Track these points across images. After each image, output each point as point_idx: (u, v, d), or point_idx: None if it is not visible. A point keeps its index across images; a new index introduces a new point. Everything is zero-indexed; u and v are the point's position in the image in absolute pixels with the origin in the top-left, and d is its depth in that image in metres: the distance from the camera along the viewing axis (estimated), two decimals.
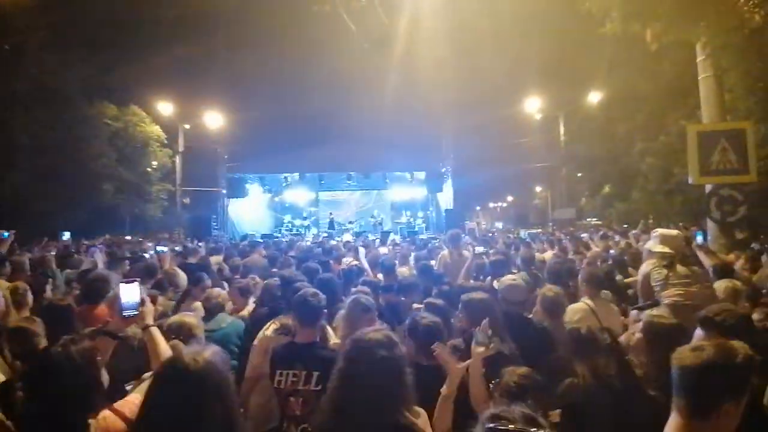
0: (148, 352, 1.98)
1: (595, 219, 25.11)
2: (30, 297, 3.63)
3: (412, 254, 6.75)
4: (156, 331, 2.03)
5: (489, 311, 2.64)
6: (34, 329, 2.57)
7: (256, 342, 3.03)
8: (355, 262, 5.72)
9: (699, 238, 4.28)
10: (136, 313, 2.00)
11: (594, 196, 23.72)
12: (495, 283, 3.98)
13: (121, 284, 2.04)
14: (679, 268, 3.45)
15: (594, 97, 20.40)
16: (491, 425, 1.04)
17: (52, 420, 1.57)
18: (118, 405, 1.68)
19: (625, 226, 15.82)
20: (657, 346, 2.23)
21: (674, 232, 3.83)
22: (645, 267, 3.72)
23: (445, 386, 1.97)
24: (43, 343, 2.52)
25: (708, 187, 6.13)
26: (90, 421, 1.60)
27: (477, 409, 1.93)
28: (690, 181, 6.22)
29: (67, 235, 11.46)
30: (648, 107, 16.59)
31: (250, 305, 4.09)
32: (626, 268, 5.69)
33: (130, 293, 2.00)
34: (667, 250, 3.58)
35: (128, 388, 1.88)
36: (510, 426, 1.03)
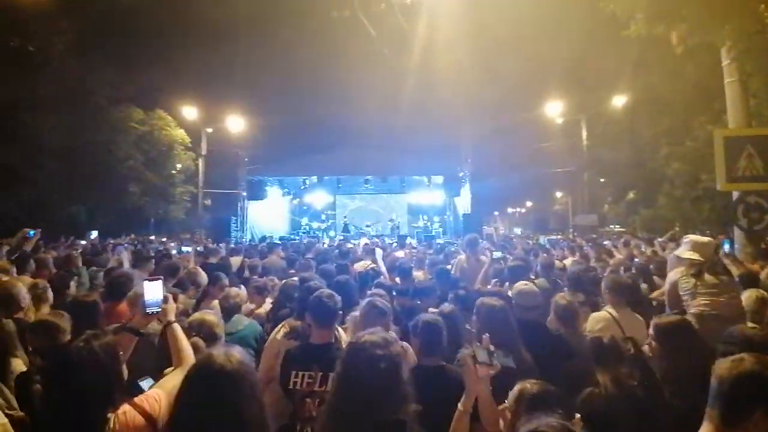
0: (170, 349, 2.03)
1: (618, 226, 24.54)
2: (50, 294, 3.71)
3: (428, 258, 6.74)
4: (178, 328, 2.07)
5: (502, 318, 2.62)
6: (59, 323, 2.62)
7: (267, 344, 3.07)
8: (372, 265, 5.75)
9: (726, 247, 4.15)
10: (158, 309, 2.05)
11: (618, 202, 23.21)
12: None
13: (144, 281, 2.10)
14: (707, 277, 3.34)
15: (618, 101, 19.96)
16: None
17: (72, 414, 1.59)
18: (138, 400, 1.71)
19: (645, 235, 15.40)
20: (667, 345, 2.24)
21: (706, 239, 3.71)
22: (673, 275, 3.63)
23: (461, 401, 1.92)
24: (67, 338, 2.59)
25: (735, 194, 5.94)
26: (110, 415, 1.63)
27: (489, 430, 1.89)
28: (717, 186, 6.04)
29: (94, 234, 11.85)
30: (673, 111, 16.17)
31: (267, 304, 4.15)
32: (651, 277, 5.53)
33: (153, 290, 2.05)
34: (696, 257, 3.46)
35: (141, 383, 1.93)
36: None
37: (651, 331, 2.38)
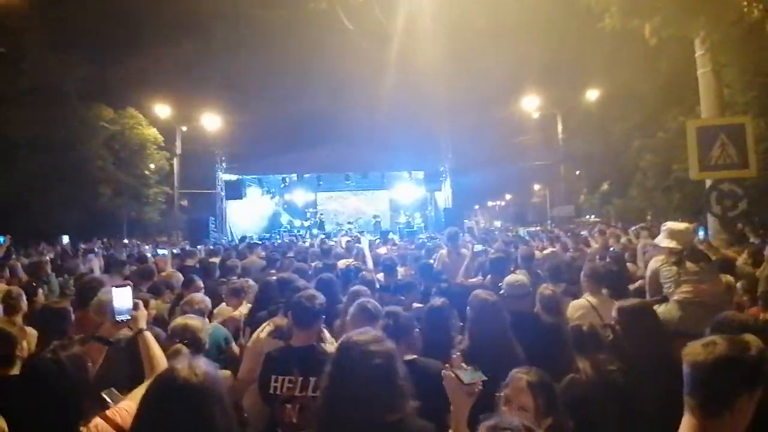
0: (142, 358, 1.93)
1: (593, 216, 25.13)
2: (24, 302, 3.58)
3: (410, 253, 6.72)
4: (149, 336, 1.98)
5: (495, 311, 2.61)
6: (10, 332, 2.50)
7: (249, 344, 2.96)
8: (354, 262, 5.68)
9: (701, 234, 4.24)
10: (128, 317, 1.95)
11: (592, 193, 23.75)
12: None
13: (113, 288, 1.98)
14: (689, 265, 3.39)
15: (592, 95, 20.41)
16: None
17: (41, 428, 1.53)
18: (110, 413, 1.64)
19: (617, 225, 15.82)
20: (629, 328, 2.29)
21: (683, 225, 3.71)
22: (653, 263, 3.65)
23: (454, 426, 1.81)
24: (24, 347, 2.46)
25: (708, 183, 6.10)
26: (81, 429, 1.56)
27: None
28: (690, 176, 6.20)
29: (66, 239, 11.41)
30: (646, 105, 16.61)
31: (244, 306, 4.04)
32: (625, 264, 5.66)
33: (122, 297, 1.95)
34: (674, 245, 3.49)
35: (104, 395, 1.81)
36: None
37: (614, 314, 2.42)
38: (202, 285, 4.07)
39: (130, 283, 2.08)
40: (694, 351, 1.33)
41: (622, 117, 18.30)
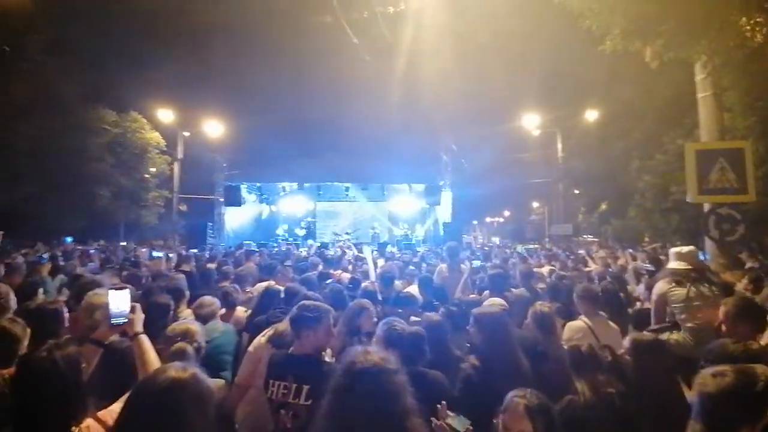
0: (136, 361, 1.91)
1: (591, 236, 25.16)
2: (12, 301, 3.47)
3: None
4: (145, 340, 1.96)
5: (502, 326, 2.59)
6: (12, 330, 2.47)
7: (251, 348, 2.96)
8: (347, 276, 5.69)
9: (701, 257, 4.24)
10: (125, 321, 1.93)
11: (591, 212, 23.81)
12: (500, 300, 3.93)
13: (110, 291, 1.97)
14: (699, 288, 3.36)
15: (591, 114, 20.59)
16: None
17: (34, 427, 1.52)
18: (101, 414, 1.62)
19: (615, 246, 15.82)
20: (640, 362, 2.27)
21: (687, 248, 3.71)
22: (661, 286, 3.61)
23: None
24: (22, 347, 2.44)
25: (706, 206, 6.11)
26: (73, 429, 1.55)
27: None
28: (688, 199, 6.20)
29: (69, 240, 11.33)
30: (645, 125, 16.76)
31: (239, 312, 4.02)
32: (626, 286, 5.64)
33: (119, 301, 1.93)
34: (684, 266, 3.49)
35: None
36: None
37: (627, 344, 2.39)
38: (187, 295, 4.03)
39: (128, 286, 2.06)
40: (704, 381, 1.39)
41: (621, 136, 18.45)
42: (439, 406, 1.93)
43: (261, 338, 2.94)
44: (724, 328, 2.75)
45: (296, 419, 2.21)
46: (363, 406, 1.57)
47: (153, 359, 1.91)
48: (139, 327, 1.98)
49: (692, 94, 6.30)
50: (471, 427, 1.83)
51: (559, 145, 22.30)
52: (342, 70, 18.71)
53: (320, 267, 6.49)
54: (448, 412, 1.87)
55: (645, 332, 2.75)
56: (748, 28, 4.51)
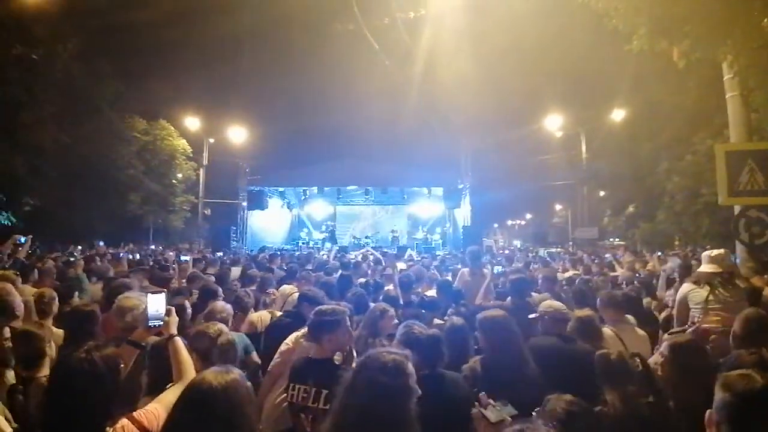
0: (171, 363, 1.99)
1: (617, 239, 24.50)
2: (56, 305, 3.62)
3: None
4: (179, 342, 2.03)
5: (506, 329, 2.58)
6: (37, 332, 2.59)
7: (289, 342, 3.05)
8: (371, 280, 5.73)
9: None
10: (161, 323, 2.02)
11: (617, 215, 23.19)
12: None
13: (148, 294, 2.06)
14: (720, 291, 3.32)
15: (617, 115, 20.11)
16: None
17: (69, 426, 1.54)
18: (137, 414, 1.68)
19: (641, 250, 15.36)
20: (679, 365, 2.20)
21: (716, 251, 3.70)
22: (683, 288, 3.60)
23: None
24: (48, 348, 2.55)
25: (737, 209, 5.93)
26: (108, 430, 1.59)
27: None
28: (719, 201, 6.03)
29: (101, 244, 11.77)
30: (674, 125, 16.27)
31: (252, 317, 4.10)
32: (654, 291, 5.50)
33: (156, 304, 2.01)
34: (714, 269, 3.47)
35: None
36: None
37: (665, 351, 2.31)
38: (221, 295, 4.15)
39: (165, 290, 2.16)
40: (730, 381, 1.38)
41: (649, 137, 17.95)
42: (481, 394, 1.93)
43: (298, 334, 3.04)
44: (731, 340, 2.63)
45: (315, 423, 2.25)
46: (360, 398, 1.59)
47: (187, 360, 1.98)
48: (173, 329, 2.05)
49: (721, 93, 6.13)
50: (510, 418, 1.81)
51: (584, 147, 21.84)
52: (362, 76, 18.93)
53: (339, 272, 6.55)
54: (490, 401, 1.87)
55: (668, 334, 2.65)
56: None
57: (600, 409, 2.05)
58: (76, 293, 4.44)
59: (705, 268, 3.57)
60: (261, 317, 4.16)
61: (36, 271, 5.40)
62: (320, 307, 2.65)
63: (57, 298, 3.66)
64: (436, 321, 3.53)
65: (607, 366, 2.16)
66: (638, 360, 2.17)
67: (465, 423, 2.05)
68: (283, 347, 3.05)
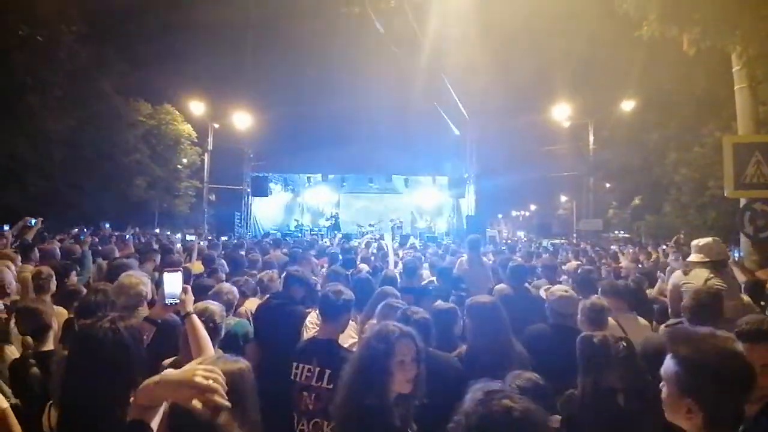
0: (188, 339, 2.03)
1: (622, 232, 24.41)
2: (53, 283, 3.64)
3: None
4: (196, 319, 2.07)
5: (494, 316, 2.59)
6: (41, 307, 2.66)
7: (307, 322, 3.21)
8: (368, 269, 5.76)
9: (736, 255, 4.15)
10: (177, 301, 2.06)
11: (623, 207, 23.07)
12: (542, 292, 3.88)
13: (165, 273, 2.10)
14: (712, 281, 3.34)
15: (626, 105, 19.84)
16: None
17: (96, 393, 1.53)
18: None
19: (647, 243, 15.29)
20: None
21: (706, 239, 3.75)
22: (675, 278, 3.64)
23: None
24: (51, 320, 2.62)
25: (742, 202, 5.89)
26: (132, 398, 1.60)
27: None
28: (725, 193, 6.00)
29: (107, 225, 11.85)
30: (682, 116, 16.08)
31: (249, 302, 4.08)
32: (655, 282, 5.50)
33: (173, 282, 2.06)
34: (701, 258, 3.52)
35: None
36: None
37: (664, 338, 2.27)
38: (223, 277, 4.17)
39: (181, 269, 2.19)
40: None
41: (657, 126, 17.76)
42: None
43: (312, 315, 3.19)
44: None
45: (318, 401, 2.31)
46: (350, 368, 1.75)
47: (205, 337, 2.02)
48: (190, 307, 2.08)
49: (731, 85, 6.05)
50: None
51: (591, 137, 21.59)
52: (367, 62, 18.73)
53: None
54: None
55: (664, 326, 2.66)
56: None
57: (570, 393, 2.02)
58: (74, 272, 4.46)
59: (693, 257, 3.64)
60: (248, 305, 4.07)
61: (36, 250, 5.42)
62: (329, 290, 2.67)
63: (54, 276, 3.69)
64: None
65: (586, 348, 2.04)
66: (623, 344, 2.02)
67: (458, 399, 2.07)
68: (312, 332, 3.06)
